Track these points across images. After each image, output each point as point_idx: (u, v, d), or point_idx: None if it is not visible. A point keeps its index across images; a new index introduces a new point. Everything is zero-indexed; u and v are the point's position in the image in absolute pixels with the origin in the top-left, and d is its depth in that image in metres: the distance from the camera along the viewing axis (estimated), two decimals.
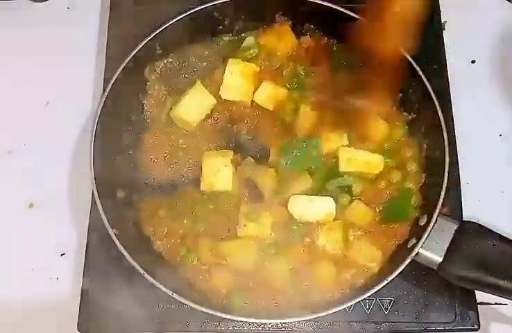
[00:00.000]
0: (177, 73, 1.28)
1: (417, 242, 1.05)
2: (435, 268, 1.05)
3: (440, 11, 1.39)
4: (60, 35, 1.44)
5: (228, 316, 1.03)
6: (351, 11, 1.20)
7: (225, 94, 1.23)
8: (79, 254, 1.22)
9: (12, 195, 1.31)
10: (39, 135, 1.36)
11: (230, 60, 1.23)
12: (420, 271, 1.15)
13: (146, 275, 1.04)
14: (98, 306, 1.15)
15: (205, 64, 1.28)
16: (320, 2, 1.22)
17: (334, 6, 1.22)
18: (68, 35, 1.44)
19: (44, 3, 1.48)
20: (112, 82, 1.17)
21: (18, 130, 1.37)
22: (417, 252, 1.05)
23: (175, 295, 1.03)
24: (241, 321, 1.06)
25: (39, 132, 1.36)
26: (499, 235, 1.04)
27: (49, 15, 1.47)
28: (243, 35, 1.31)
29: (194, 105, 1.22)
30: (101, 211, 1.08)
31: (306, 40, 1.30)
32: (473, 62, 1.41)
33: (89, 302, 1.15)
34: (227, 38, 1.31)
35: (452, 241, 1.04)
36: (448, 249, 1.04)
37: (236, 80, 1.22)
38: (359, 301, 1.05)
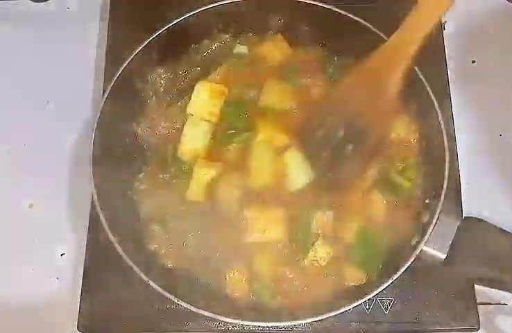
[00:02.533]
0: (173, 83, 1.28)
1: (421, 240, 1.05)
2: (439, 265, 1.05)
3: None
4: (60, 35, 1.44)
5: (228, 320, 1.04)
6: (347, 11, 1.20)
7: (192, 110, 1.22)
8: (79, 254, 1.22)
9: (12, 195, 1.31)
10: (39, 135, 1.36)
11: (199, 82, 1.22)
12: (420, 271, 1.15)
13: (151, 283, 1.04)
14: (98, 306, 1.15)
15: (199, 69, 1.28)
16: (312, 2, 1.22)
17: (327, 6, 1.21)
18: (68, 35, 1.44)
19: (44, 3, 1.48)
20: (113, 82, 1.17)
21: (18, 130, 1.37)
22: (421, 250, 1.05)
23: (181, 303, 1.03)
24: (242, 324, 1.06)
25: (39, 132, 1.36)
26: (502, 230, 1.04)
27: (49, 15, 1.47)
28: (237, 41, 1.31)
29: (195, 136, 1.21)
30: (102, 219, 1.08)
31: (300, 53, 1.30)
32: (473, 62, 1.41)
33: (89, 302, 1.16)
34: (217, 44, 1.30)
35: (455, 238, 1.04)
36: (452, 245, 1.04)
37: (203, 99, 1.22)
38: None
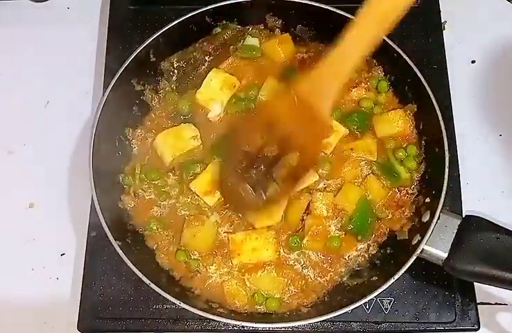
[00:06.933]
0: (185, 71, 1.28)
1: (422, 239, 1.05)
2: (440, 263, 1.05)
3: (440, 11, 1.39)
4: (60, 35, 1.44)
5: (229, 321, 1.04)
6: (344, 11, 1.20)
7: (200, 98, 1.24)
8: (79, 254, 1.22)
9: (12, 195, 1.31)
10: (39, 135, 1.36)
11: (213, 70, 1.24)
12: (420, 271, 1.16)
13: (152, 285, 1.04)
14: (98, 306, 1.15)
15: (211, 58, 1.28)
16: (309, 2, 1.22)
17: (324, 6, 1.22)
18: (68, 35, 1.44)
19: (44, 3, 1.48)
20: (113, 82, 1.17)
21: (18, 130, 1.37)
22: (423, 249, 1.05)
23: (182, 304, 1.03)
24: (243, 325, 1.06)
25: (39, 132, 1.36)
26: (503, 228, 1.04)
27: (49, 15, 1.48)
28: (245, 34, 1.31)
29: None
30: (102, 219, 1.08)
31: (302, 51, 1.30)
32: (473, 62, 1.41)
33: (89, 302, 1.15)
34: (230, 32, 1.30)
35: (456, 236, 1.04)
36: (453, 244, 1.04)
37: (214, 87, 1.23)
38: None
